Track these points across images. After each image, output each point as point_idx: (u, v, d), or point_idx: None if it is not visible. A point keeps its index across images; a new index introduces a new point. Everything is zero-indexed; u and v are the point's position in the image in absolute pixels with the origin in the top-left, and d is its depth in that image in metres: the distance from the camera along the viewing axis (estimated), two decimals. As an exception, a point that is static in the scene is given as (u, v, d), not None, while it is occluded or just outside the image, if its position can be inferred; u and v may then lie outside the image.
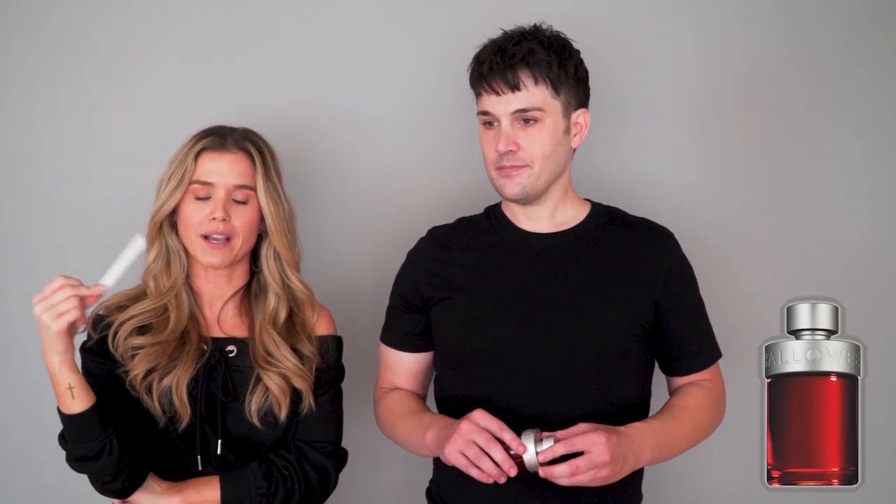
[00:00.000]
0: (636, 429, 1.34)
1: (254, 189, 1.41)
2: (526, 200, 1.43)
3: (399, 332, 1.52)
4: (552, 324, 1.39)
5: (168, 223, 1.43)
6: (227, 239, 1.39)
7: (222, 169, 1.39)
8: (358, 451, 1.56)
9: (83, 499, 1.60)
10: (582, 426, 1.29)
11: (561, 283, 1.41)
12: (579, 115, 1.43)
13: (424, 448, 1.41)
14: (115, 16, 1.78)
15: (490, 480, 1.28)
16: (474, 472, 1.28)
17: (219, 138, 1.41)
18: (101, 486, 1.36)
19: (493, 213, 1.52)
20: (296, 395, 1.43)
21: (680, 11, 1.83)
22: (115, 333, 1.38)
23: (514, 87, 1.37)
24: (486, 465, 1.27)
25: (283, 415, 1.41)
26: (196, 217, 1.38)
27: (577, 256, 1.43)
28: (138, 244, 1.29)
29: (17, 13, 1.77)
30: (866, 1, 1.85)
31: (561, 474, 1.25)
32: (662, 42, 1.83)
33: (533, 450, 1.27)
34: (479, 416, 1.30)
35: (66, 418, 1.29)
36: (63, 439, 1.33)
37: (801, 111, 1.85)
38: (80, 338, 1.42)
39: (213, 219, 1.37)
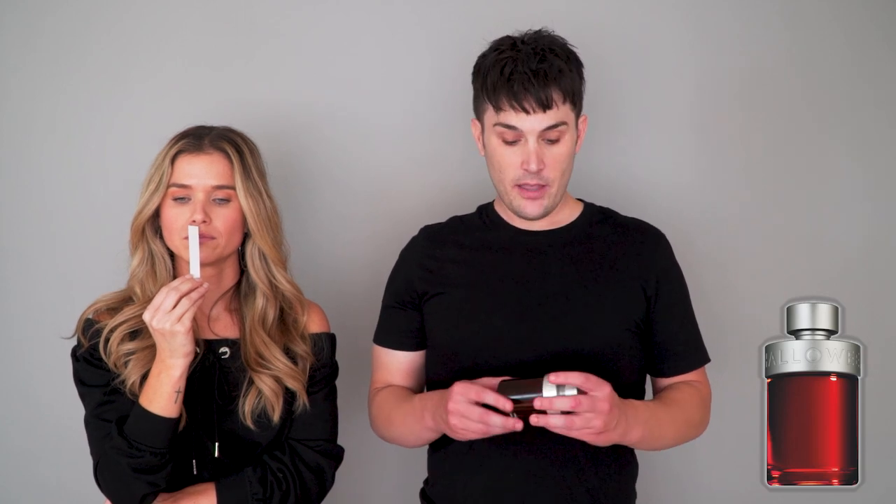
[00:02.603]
0: (633, 404, 1.34)
1: (233, 188, 1.39)
2: (546, 216, 1.45)
3: (393, 331, 1.52)
4: (547, 319, 1.40)
5: (151, 227, 1.41)
6: (211, 238, 1.38)
7: (199, 171, 1.37)
8: (352, 452, 1.55)
9: (82, 499, 1.60)
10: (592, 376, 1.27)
11: (555, 278, 1.43)
12: (581, 122, 1.46)
13: (427, 431, 1.40)
14: (115, 16, 1.78)
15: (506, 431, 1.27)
16: (494, 431, 1.27)
17: (194, 140, 1.40)
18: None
19: (486, 212, 1.53)
20: (289, 395, 1.43)
21: (679, 12, 1.82)
22: (107, 341, 1.37)
23: (547, 107, 1.37)
24: (495, 428, 1.26)
25: (276, 416, 1.40)
26: (178, 222, 1.37)
27: (571, 253, 1.45)
28: (193, 231, 1.32)
29: (17, 13, 1.77)
30: (867, 3, 1.85)
31: (555, 424, 1.24)
32: (661, 43, 1.82)
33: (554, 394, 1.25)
34: (459, 393, 1.28)
35: (159, 421, 1.30)
36: (118, 454, 1.31)
37: (801, 112, 1.85)
38: (70, 343, 1.43)
39: (194, 221, 1.35)
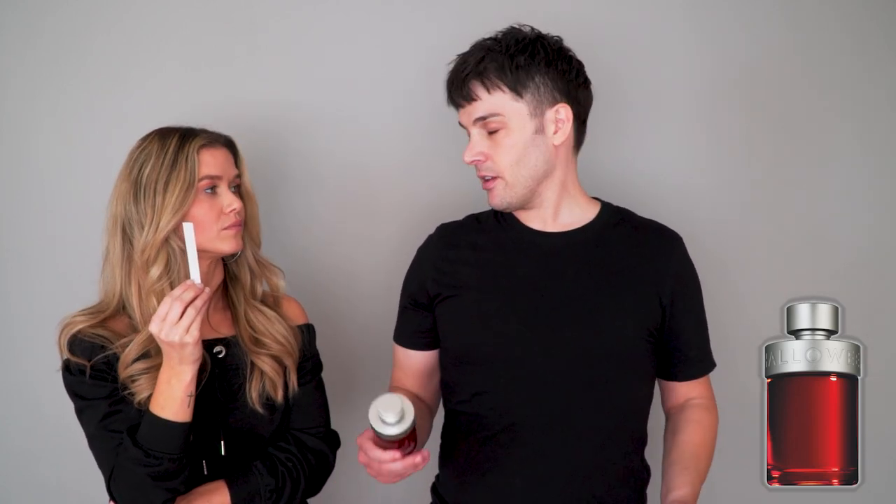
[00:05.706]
0: (690, 496, 1.35)
1: (240, 177, 1.44)
2: (513, 209, 1.44)
3: (408, 331, 1.52)
4: (559, 324, 1.38)
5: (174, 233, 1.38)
6: (242, 225, 1.41)
7: (222, 162, 1.39)
8: (352, 448, 1.55)
9: (82, 499, 1.60)
10: None
11: (570, 283, 1.40)
12: (557, 111, 1.39)
13: None
14: (115, 16, 1.78)
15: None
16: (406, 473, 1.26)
17: (209, 133, 1.41)
18: None
19: (501, 212, 1.51)
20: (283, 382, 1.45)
21: (684, 10, 1.82)
22: (116, 362, 1.34)
23: (469, 99, 1.39)
24: (399, 471, 1.24)
25: (279, 395, 1.43)
26: (212, 213, 1.36)
27: (586, 257, 1.42)
28: (189, 230, 1.30)
29: (17, 13, 1.77)
30: (869, 2, 1.85)
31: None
32: (666, 41, 1.82)
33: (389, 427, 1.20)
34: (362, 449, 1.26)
35: (173, 427, 1.29)
36: (134, 464, 1.29)
37: (804, 111, 1.85)
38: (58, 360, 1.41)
39: (233, 209, 1.37)
